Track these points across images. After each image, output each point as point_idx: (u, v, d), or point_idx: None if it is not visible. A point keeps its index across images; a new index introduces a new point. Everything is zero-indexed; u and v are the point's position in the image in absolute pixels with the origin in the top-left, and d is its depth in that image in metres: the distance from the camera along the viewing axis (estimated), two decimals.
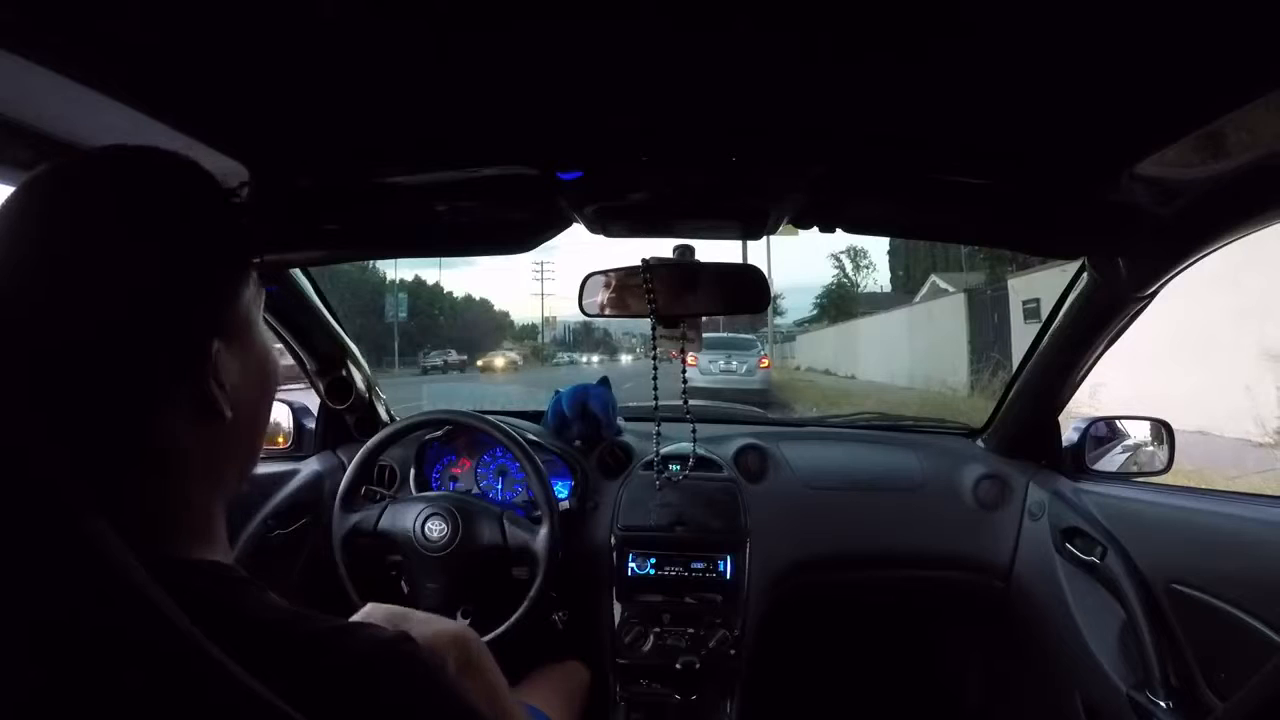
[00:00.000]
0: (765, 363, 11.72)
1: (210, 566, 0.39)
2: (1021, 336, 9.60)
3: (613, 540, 1.23)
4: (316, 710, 0.32)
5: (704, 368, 10.08)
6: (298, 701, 0.31)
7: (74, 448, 0.33)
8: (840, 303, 30.04)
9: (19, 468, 0.23)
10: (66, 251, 0.35)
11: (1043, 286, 9.21)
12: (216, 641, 0.28)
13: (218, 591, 0.37)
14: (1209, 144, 0.66)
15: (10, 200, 0.37)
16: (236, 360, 0.41)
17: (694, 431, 1.22)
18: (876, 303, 25.21)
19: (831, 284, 33.14)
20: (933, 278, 20.11)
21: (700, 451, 1.28)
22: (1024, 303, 10.07)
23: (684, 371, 1.12)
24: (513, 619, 1.06)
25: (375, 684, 0.35)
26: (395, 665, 0.36)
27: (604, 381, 1.39)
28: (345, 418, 1.34)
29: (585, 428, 1.34)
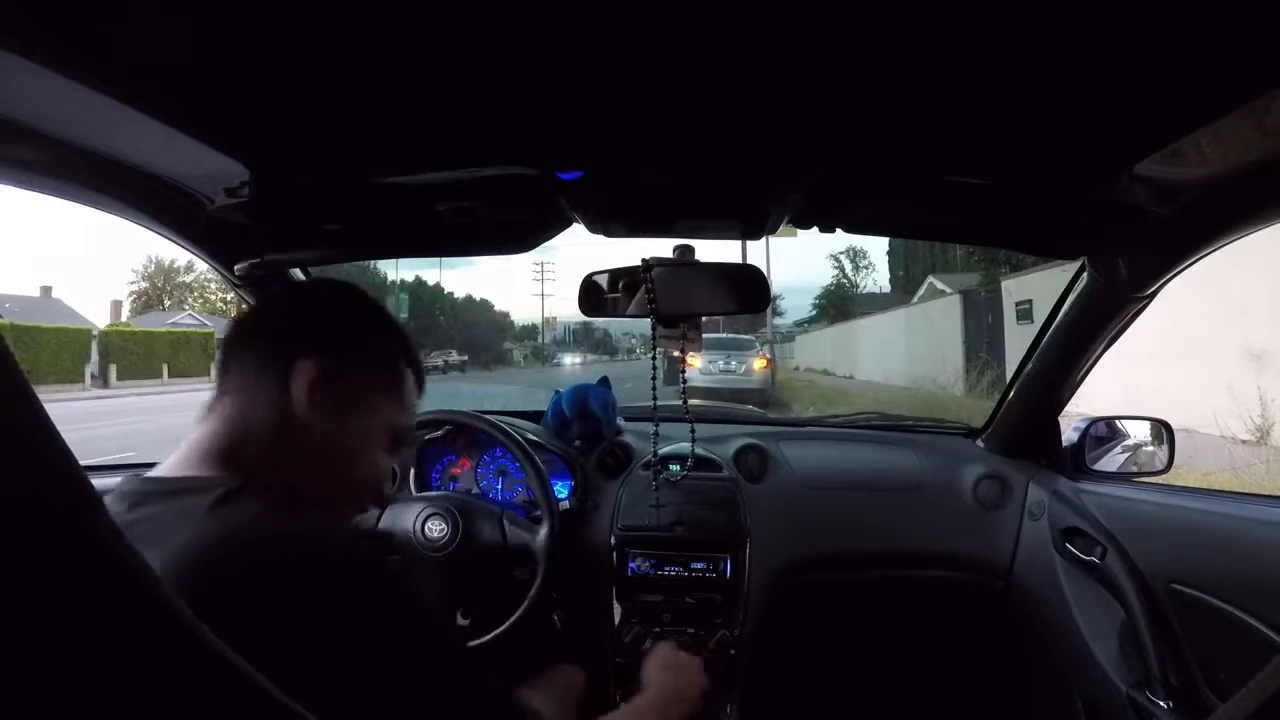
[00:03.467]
0: (763, 363, 11.72)
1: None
2: (1015, 337, 9.66)
3: (613, 540, 1.23)
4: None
5: (704, 368, 10.10)
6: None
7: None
8: (839, 303, 29.99)
9: (27, 464, 0.23)
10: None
11: (1036, 288, 9.24)
12: None
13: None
14: (1209, 144, 0.66)
15: None
16: (339, 395, 0.58)
17: (693, 431, 1.22)
18: (876, 303, 25.15)
19: (831, 284, 33.15)
20: (930, 279, 20.09)
21: (700, 451, 1.27)
22: (1017, 304, 10.11)
23: (683, 372, 1.11)
24: (512, 619, 1.06)
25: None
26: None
27: (604, 381, 1.39)
28: None
29: (585, 428, 1.34)
